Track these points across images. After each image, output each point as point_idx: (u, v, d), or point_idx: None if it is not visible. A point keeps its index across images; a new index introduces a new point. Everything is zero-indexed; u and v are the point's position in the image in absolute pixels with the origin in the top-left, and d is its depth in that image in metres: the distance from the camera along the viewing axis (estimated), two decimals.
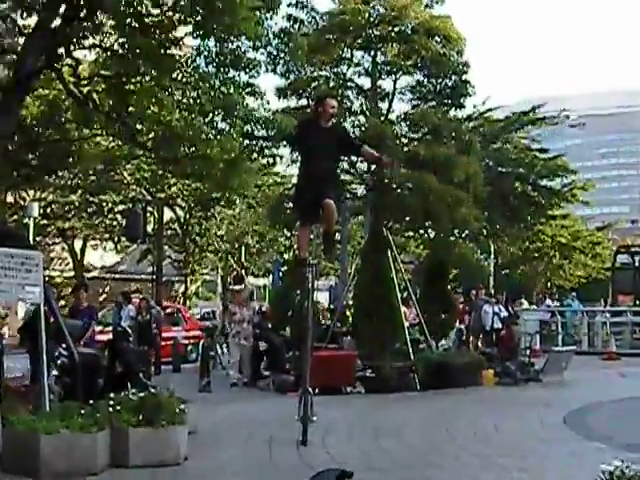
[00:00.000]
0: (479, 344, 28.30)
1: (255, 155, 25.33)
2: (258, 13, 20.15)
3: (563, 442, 12.06)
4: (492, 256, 53.25)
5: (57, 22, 18.22)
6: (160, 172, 31.99)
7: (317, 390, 18.16)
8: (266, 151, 25.91)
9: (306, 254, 12.42)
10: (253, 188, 38.87)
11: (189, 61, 20.45)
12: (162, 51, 19.45)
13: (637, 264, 44.35)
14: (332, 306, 32.64)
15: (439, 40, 32.88)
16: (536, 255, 59.51)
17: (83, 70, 20.91)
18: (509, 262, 60.15)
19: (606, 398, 17.88)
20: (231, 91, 20.88)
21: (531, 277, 64.25)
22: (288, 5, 31.27)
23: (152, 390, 11.76)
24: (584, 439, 12.46)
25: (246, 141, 24.11)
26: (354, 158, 28.89)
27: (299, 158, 12.25)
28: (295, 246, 11.99)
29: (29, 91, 19.61)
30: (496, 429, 13.72)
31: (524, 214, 48.67)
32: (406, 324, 21.74)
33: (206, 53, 20.28)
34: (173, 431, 10.68)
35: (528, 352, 24.82)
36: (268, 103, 22.65)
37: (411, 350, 20.65)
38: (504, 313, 28.52)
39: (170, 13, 19.31)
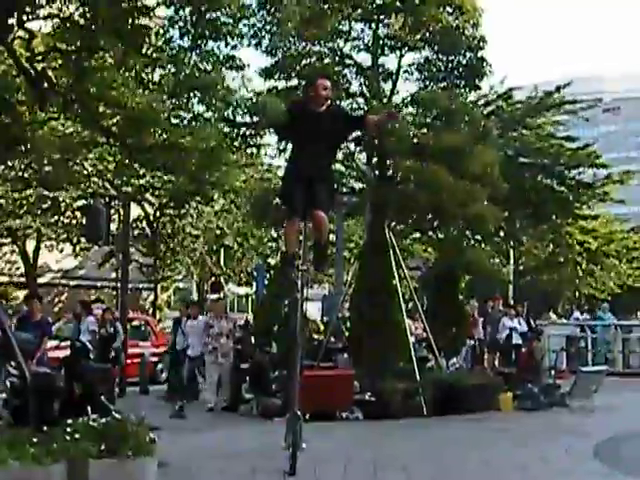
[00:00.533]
0: (496, 363, 28.34)
1: (237, 144, 25.32)
2: None
3: (593, 477, 12.09)
4: (512, 261, 53.27)
5: None
6: (126, 163, 31.93)
7: (308, 415, 18.23)
8: (250, 140, 25.90)
9: (295, 250, 12.43)
10: (235, 182, 38.91)
11: (160, 33, 20.44)
12: (129, 22, 19.43)
13: None
14: (325, 318, 32.66)
15: (451, 11, 32.84)
16: (562, 261, 59.49)
17: (37, 44, 20.86)
18: (531, 268, 60.15)
19: None
20: (209, 67, 20.87)
21: (557, 286, 64.26)
22: None
23: (116, 415, 11.75)
24: (617, 473, 12.49)
25: (226, 128, 24.08)
26: (352, 148, 28.95)
27: (288, 147, 12.29)
28: (282, 244, 12.05)
29: None
30: (516, 462, 13.74)
31: (549, 212, 48.67)
32: (411, 339, 21.78)
33: (181, 24, 20.27)
34: (140, 463, 10.66)
35: (553, 372, 24.88)
36: (250, 81, 22.58)
37: (417, 370, 20.69)
38: (524, 327, 28.58)
39: None
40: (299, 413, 11.78)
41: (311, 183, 11.48)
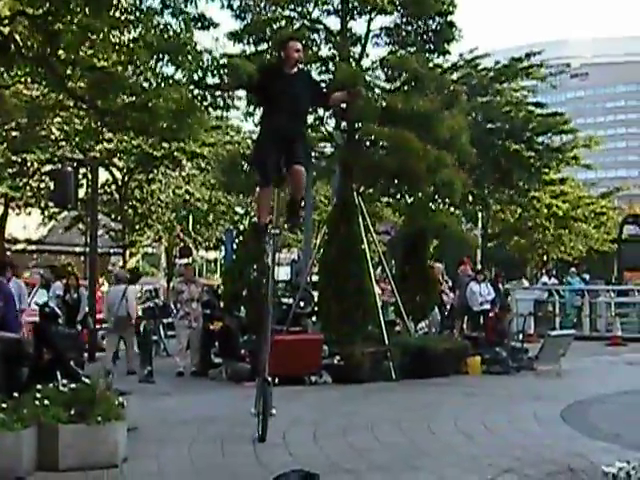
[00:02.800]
0: (464, 327, 28.42)
1: (206, 105, 25.19)
2: None
3: (560, 441, 12.15)
4: (479, 226, 53.41)
5: None
6: (94, 126, 31.74)
7: (277, 380, 18.27)
8: (219, 101, 25.75)
9: (266, 219, 12.42)
10: (203, 147, 38.77)
11: None
12: None
13: None
14: (294, 283, 32.66)
15: None
16: (530, 225, 59.71)
17: (3, 7, 20.66)
18: (499, 233, 60.32)
19: (611, 390, 18.08)
20: (179, 28, 20.75)
21: (525, 250, 64.53)
22: None
23: (85, 380, 11.72)
24: (585, 437, 12.57)
25: (196, 90, 23.94)
26: (321, 111, 28.80)
27: (260, 110, 12.22)
28: (254, 211, 11.99)
29: None
30: (484, 425, 13.81)
31: (517, 177, 48.89)
32: (380, 304, 21.80)
33: None
34: (110, 428, 10.65)
35: (521, 337, 24.98)
36: (218, 41, 22.42)
37: (386, 334, 20.72)
38: (491, 292, 28.65)
39: None
40: (269, 379, 11.79)
41: (287, 142, 11.49)
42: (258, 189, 12.43)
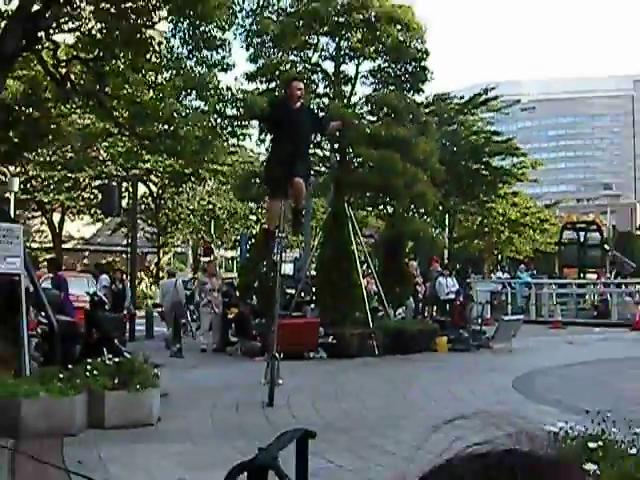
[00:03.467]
0: (433, 313, 28.41)
1: (225, 133, 25.26)
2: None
3: (512, 405, 12.18)
4: (447, 230, 53.43)
5: (37, 7, 18.04)
6: (135, 149, 31.81)
7: (282, 355, 18.28)
8: (237, 130, 25.85)
9: (274, 226, 12.47)
10: (224, 166, 38.86)
11: (163, 42, 20.36)
12: (138, 35, 19.33)
13: (582, 240, 44.80)
14: (296, 277, 32.65)
15: (400, 28, 32.86)
16: (488, 230, 59.76)
17: (62, 53, 20.73)
18: (463, 236, 60.34)
19: (552, 364, 18.09)
20: (203, 70, 20.82)
21: (483, 250, 64.59)
22: None
23: (127, 355, 11.74)
24: (532, 402, 12.59)
25: (218, 120, 24.02)
26: (319, 137, 28.87)
27: (269, 136, 12.36)
28: (264, 219, 11.99)
29: (10, 72, 19.42)
30: (449, 392, 13.83)
31: (477, 191, 49.09)
32: (365, 294, 21.80)
33: (181, 35, 20.19)
34: (147, 394, 10.69)
35: (479, 321, 24.98)
36: (236, 79, 22.53)
37: (370, 318, 20.72)
38: (455, 284, 28.64)
39: None
40: (277, 355, 11.82)
41: (292, 162, 11.54)
42: (268, 200, 12.45)
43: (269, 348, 12.36)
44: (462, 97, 48.33)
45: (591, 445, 4.91)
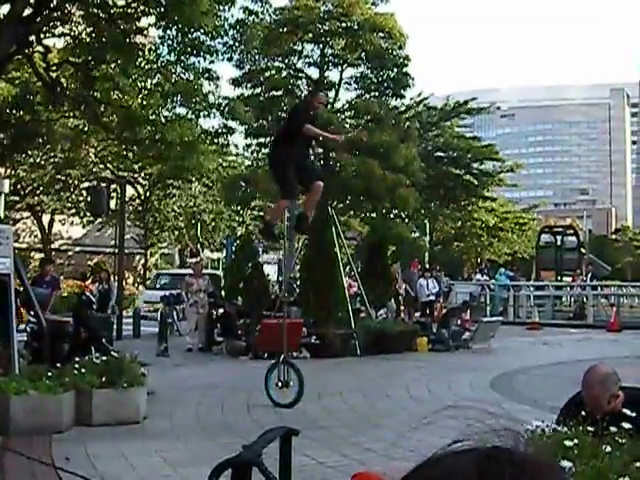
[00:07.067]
0: (415, 314, 28.46)
1: (210, 138, 25.28)
2: (217, 6, 20.08)
3: (490, 403, 12.19)
4: (427, 234, 53.55)
5: (28, 11, 18.02)
6: (122, 153, 31.77)
7: (266, 355, 18.31)
8: (220, 135, 25.87)
9: (275, 220, 12.54)
10: (209, 170, 38.79)
11: (152, 49, 20.35)
12: (127, 40, 19.32)
13: (558, 243, 44.95)
14: (280, 278, 32.64)
15: (383, 35, 33.02)
16: (467, 233, 59.93)
17: (53, 57, 20.70)
18: (443, 239, 60.50)
19: (530, 364, 18.15)
20: (191, 77, 20.82)
21: (463, 253, 64.79)
22: None
23: (114, 354, 11.72)
24: (509, 401, 12.62)
25: (204, 125, 24.05)
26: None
27: (286, 134, 12.07)
28: (267, 212, 11.85)
29: (1, 75, 19.40)
30: (429, 391, 13.86)
31: (457, 196, 49.23)
32: (348, 295, 21.81)
33: (169, 42, 20.19)
34: (133, 392, 10.67)
35: (459, 321, 25.01)
36: (217, 87, 22.53)
37: (353, 319, 20.74)
38: (436, 286, 28.72)
39: (135, 5, 19.18)
40: (287, 360, 12.00)
41: (305, 164, 11.63)
42: (281, 199, 12.22)
43: (280, 351, 12.43)
44: (446, 104, 48.55)
45: (567, 443, 4.94)
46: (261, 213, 54.57)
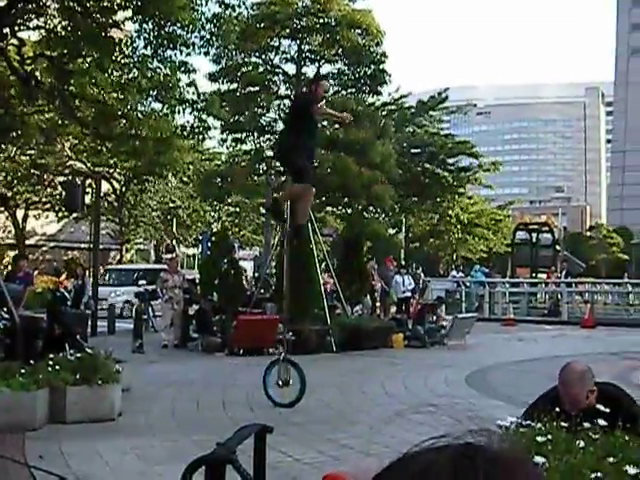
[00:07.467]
0: (390, 310, 28.48)
1: (186, 133, 25.18)
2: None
3: (465, 399, 12.25)
4: (403, 230, 53.68)
5: (2, 3, 17.87)
6: (98, 148, 31.62)
7: (242, 351, 18.29)
8: (197, 130, 25.77)
9: (285, 204, 12.44)
10: (185, 165, 38.69)
11: (128, 42, 20.22)
12: (102, 34, 19.20)
13: (534, 240, 45.20)
14: (256, 274, 32.61)
15: (360, 32, 33.04)
16: (443, 230, 60.12)
17: (27, 50, 20.54)
18: (419, 236, 60.67)
19: (504, 360, 18.23)
20: (167, 71, 20.72)
21: (439, 250, 64.98)
22: None
23: (89, 351, 11.66)
24: (484, 397, 12.68)
25: (180, 121, 23.93)
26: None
27: (290, 125, 11.93)
28: (281, 194, 11.71)
29: None
30: (404, 387, 13.89)
31: (433, 192, 49.37)
32: (324, 291, 21.81)
33: (145, 35, 20.07)
34: (108, 389, 10.61)
35: (435, 318, 25.07)
36: (193, 84, 22.41)
37: (328, 315, 20.74)
38: (412, 284, 28.76)
39: None
40: (287, 356, 11.94)
41: (311, 156, 11.63)
42: (299, 185, 11.98)
43: (282, 350, 12.38)
44: (423, 101, 48.72)
45: (539, 439, 4.96)
46: (237, 209, 54.68)
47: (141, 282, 28.47)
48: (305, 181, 11.80)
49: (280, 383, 11.89)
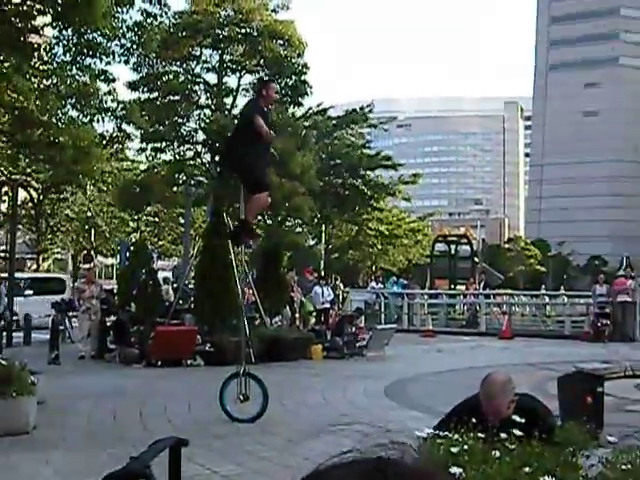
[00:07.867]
0: (310, 321, 28.51)
1: (105, 142, 24.95)
2: (115, 7, 19.86)
3: (383, 410, 12.35)
4: (323, 241, 53.87)
5: None
6: (14, 155, 31.11)
7: (159, 362, 18.15)
8: (115, 140, 25.57)
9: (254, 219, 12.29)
10: (104, 174, 38.28)
11: (47, 48, 19.99)
12: (21, 39, 18.93)
13: (452, 252, 45.75)
14: (175, 285, 32.41)
15: (282, 43, 33.18)
16: (362, 241, 60.49)
17: None
18: (339, 247, 60.95)
19: (423, 371, 18.40)
20: (86, 79, 20.52)
21: (358, 261, 65.37)
22: (143, 0, 30.92)
23: (3, 362, 11.45)
24: (403, 408, 12.79)
25: (99, 129, 23.72)
26: (199, 148, 28.77)
27: (247, 136, 11.56)
28: (247, 211, 11.39)
29: None
30: (323, 399, 13.94)
31: (352, 204, 49.69)
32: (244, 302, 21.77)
33: (65, 42, 19.86)
34: (23, 401, 10.44)
35: (354, 329, 25.17)
36: (114, 90, 22.24)
37: (247, 326, 20.69)
38: (331, 295, 28.85)
39: (30, 3, 18.82)
40: (247, 370, 11.77)
41: (268, 167, 11.55)
42: (260, 193, 11.78)
43: (240, 364, 12.11)
44: (347, 111, 49.01)
45: (453, 450, 5.04)
46: (156, 219, 54.28)
47: (27, 292, 28.14)
48: (264, 189, 11.72)
49: (241, 398, 11.63)
